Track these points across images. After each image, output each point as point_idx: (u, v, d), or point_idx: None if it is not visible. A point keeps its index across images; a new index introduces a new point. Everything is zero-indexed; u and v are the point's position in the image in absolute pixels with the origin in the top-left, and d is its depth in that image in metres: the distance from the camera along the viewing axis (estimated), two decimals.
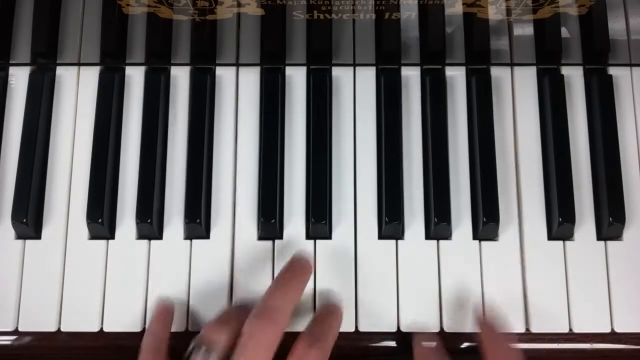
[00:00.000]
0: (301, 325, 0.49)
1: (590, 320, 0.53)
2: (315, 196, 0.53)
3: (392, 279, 0.53)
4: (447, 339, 0.52)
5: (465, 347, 0.53)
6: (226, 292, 0.53)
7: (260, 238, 0.54)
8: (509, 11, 0.58)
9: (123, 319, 0.53)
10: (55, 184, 0.55)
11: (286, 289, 0.47)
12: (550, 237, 0.54)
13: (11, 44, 0.58)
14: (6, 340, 0.53)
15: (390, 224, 0.53)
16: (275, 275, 0.53)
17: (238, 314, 0.47)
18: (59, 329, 0.53)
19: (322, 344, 0.46)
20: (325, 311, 0.50)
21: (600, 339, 0.53)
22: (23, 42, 0.58)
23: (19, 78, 0.57)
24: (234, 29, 0.58)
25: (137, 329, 0.52)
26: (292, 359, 0.44)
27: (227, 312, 0.49)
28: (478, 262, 0.54)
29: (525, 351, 0.53)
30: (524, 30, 0.58)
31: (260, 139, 0.55)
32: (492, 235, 0.54)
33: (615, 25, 0.58)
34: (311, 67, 0.58)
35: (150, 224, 0.53)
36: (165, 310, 0.51)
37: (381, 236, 0.54)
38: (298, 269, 0.50)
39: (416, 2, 0.57)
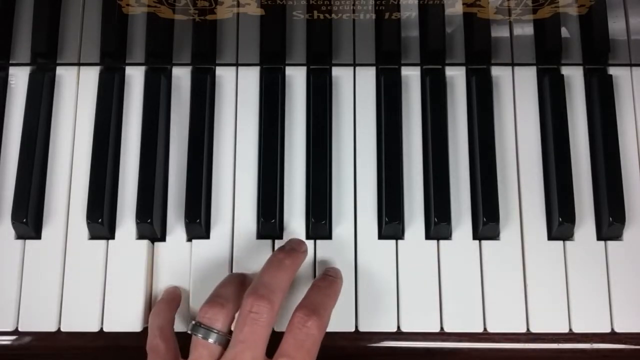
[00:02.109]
0: None
1: (590, 320, 0.53)
2: (315, 196, 0.53)
3: (392, 279, 0.53)
4: (448, 339, 0.53)
5: (465, 347, 0.53)
6: None
7: (260, 238, 0.54)
8: (509, 11, 0.58)
9: (123, 319, 0.53)
10: (55, 184, 0.55)
11: (280, 267, 0.48)
12: (550, 237, 0.54)
13: (11, 44, 0.58)
14: (6, 340, 0.53)
15: (390, 224, 0.53)
16: None
17: (233, 292, 0.48)
18: (59, 329, 0.53)
19: (321, 313, 0.46)
20: (324, 280, 0.50)
21: (600, 339, 0.53)
22: (23, 42, 0.58)
23: (19, 78, 0.57)
24: (234, 29, 0.58)
25: (137, 329, 0.53)
26: (290, 330, 0.45)
27: (221, 291, 0.49)
28: (478, 262, 0.54)
29: (525, 351, 0.53)
30: (524, 30, 0.58)
31: (260, 139, 0.55)
32: (492, 235, 0.54)
33: (615, 25, 0.58)
34: (311, 67, 0.58)
35: (150, 224, 0.53)
36: (173, 295, 0.52)
37: (381, 236, 0.54)
38: (291, 249, 0.50)
39: (416, 2, 0.57)
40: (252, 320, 0.44)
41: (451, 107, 0.57)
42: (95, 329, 0.53)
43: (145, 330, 0.52)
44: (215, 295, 0.49)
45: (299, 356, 0.44)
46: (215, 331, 0.46)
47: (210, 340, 0.46)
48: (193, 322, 0.47)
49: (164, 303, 0.52)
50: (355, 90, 0.57)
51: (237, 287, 0.49)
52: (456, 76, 0.58)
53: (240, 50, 0.58)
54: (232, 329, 0.47)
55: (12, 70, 0.57)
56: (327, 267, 0.53)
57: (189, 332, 0.47)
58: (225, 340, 0.46)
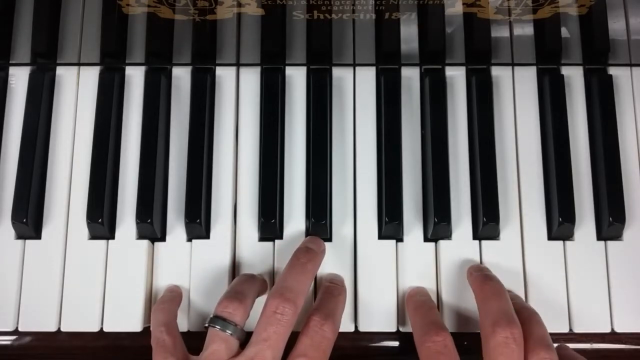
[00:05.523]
0: None
1: (590, 320, 0.53)
2: (315, 196, 0.53)
3: (392, 279, 0.53)
4: None
5: (465, 347, 0.53)
6: None
7: (260, 238, 0.54)
8: (509, 11, 0.58)
9: (123, 319, 0.53)
10: (55, 184, 0.55)
11: (304, 271, 0.49)
12: (550, 237, 0.54)
13: (11, 44, 0.58)
14: (6, 340, 0.53)
15: (390, 224, 0.53)
16: (278, 269, 0.54)
17: (249, 289, 0.50)
18: (59, 329, 0.53)
19: (334, 319, 0.48)
20: (334, 287, 0.51)
21: (600, 339, 0.53)
22: (23, 42, 0.58)
23: (19, 78, 0.57)
24: (234, 29, 0.58)
25: (137, 329, 0.53)
26: (307, 332, 0.47)
27: (238, 287, 0.50)
28: (478, 262, 0.54)
29: None
30: (524, 30, 0.58)
31: (260, 139, 0.55)
32: (492, 235, 0.54)
33: (615, 25, 0.58)
34: (311, 67, 0.58)
35: (150, 224, 0.53)
36: (175, 292, 0.53)
37: (381, 236, 0.54)
38: (309, 249, 0.51)
39: (416, 2, 0.57)
40: (276, 321, 0.46)
41: (451, 107, 0.57)
42: (95, 329, 0.53)
43: (145, 330, 0.52)
44: (233, 291, 0.49)
45: (316, 356, 0.46)
46: (235, 325, 0.47)
47: (229, 333, 0.46)
48: (211, 315, 0.48)
49: (167, 300, 0.52)
50: (355, 90, 0.57)
51: (252, 285, 0.50)
52: (456, 76, 0.58)
53: (241, 50, 0.58)
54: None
55: (12, 70, 0.57)
56: (332, 275, 0.53)
57: (206, 325, 0.47)
58: (243, 335, 0.47)
